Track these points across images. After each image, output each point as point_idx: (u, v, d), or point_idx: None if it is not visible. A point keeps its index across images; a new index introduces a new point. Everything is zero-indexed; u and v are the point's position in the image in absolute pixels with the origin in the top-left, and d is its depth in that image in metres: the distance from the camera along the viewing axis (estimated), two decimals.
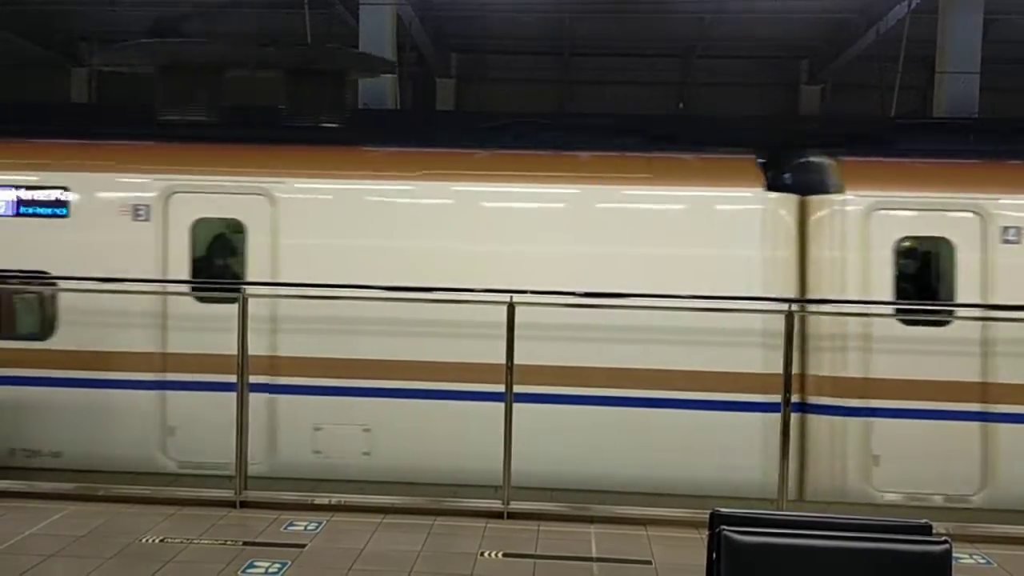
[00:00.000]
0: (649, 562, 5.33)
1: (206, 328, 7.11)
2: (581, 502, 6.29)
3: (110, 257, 7.18)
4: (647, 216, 7.27)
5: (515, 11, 13.29)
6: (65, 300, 7.24)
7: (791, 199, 7.15)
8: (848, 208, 7.04)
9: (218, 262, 7.63)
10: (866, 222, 6.99)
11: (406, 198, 7.38)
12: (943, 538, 2.83)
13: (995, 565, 5.43)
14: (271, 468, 7.05)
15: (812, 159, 7.46)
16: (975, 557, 5.53)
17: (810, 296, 7.06)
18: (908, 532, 2.91)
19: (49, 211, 7.37)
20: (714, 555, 2.93)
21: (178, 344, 7.18)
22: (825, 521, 2.97)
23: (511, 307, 6.13)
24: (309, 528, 5.71)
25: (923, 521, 2.96)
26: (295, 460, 7.14)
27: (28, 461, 7.09)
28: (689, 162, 7.46)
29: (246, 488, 6.14)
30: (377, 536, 5.63)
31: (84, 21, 14.81)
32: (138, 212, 7.33)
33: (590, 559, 5.39)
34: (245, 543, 5.44)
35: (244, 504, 6.07)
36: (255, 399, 6.47)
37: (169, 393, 7.22)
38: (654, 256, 7.10)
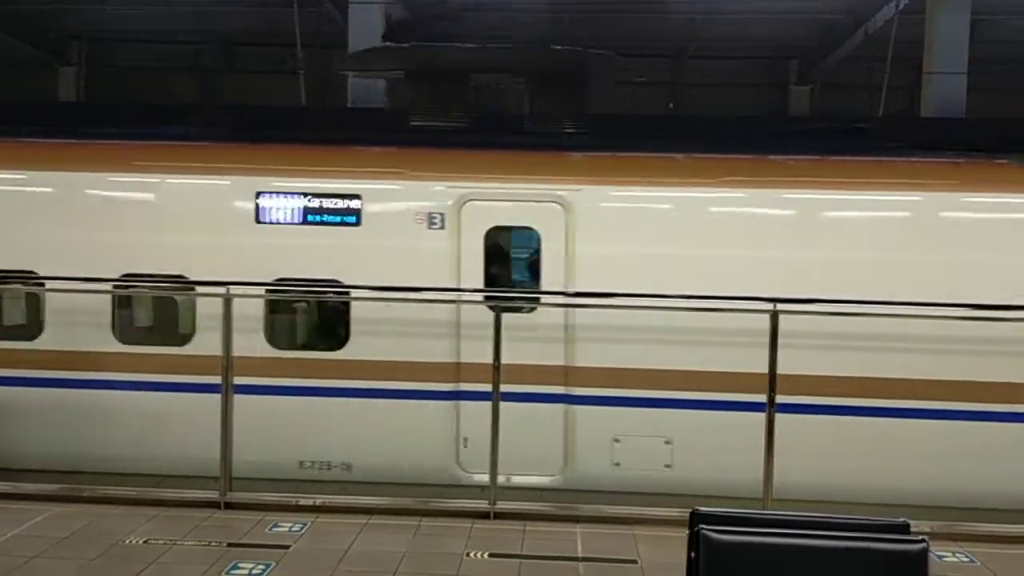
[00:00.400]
0: (635, 561, 5.34)
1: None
2: (567, 502, 6.30)
3: (404, 266, 7.06)
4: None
5: (515, 11, 13.26)
6: (357, 310, 7.12)
7: None
8: None
9: (512, 270, 7.53)
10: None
11: (707, 206, 7.21)
12: (920, 537, 2.84)
13: (978, 563, 5.45)
14: (566, 480, 6.94)
15: None
16: (958, 555, 5.55)
17: None
18: (886, 531, 2.92)
19: (338, 219, 7.20)
20: (693, 554, 2.93)
21: (471, 354, 6.87)
22: (805, 520, 2.97)
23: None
24: (294, 529, 5.70)
25: (901, 520, 2.97)
26: (593, 472, 6.93)
27: (319, 474, 6.95)
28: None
29: (231, 489, 6.12)
30: (362, 537, 5.62)
31: (75, 19, 14.75)
32: (432, 220, 7.17)
33: (576, 559, 5.39)
34: (229, 544, 5.43)
35: (229, 505, 6.06)
36: (552, 409, 6.77)
37: (463, 403, 6.99)
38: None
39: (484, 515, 6.00)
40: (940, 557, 5.48)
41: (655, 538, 5.69)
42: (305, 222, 7.16)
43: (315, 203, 7.18)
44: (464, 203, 7.15)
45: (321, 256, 7.17)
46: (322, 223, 7.16)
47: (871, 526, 2.93)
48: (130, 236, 7.22)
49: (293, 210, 7.18)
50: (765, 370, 6.11)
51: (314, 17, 12.47)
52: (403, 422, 6.99)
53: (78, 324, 7.13)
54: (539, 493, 6.65)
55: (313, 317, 7.74)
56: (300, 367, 7.04)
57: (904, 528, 2.94)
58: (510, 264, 7.50)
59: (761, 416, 6.12)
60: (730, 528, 2.87)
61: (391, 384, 6.97)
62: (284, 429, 6.93)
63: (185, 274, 7.14)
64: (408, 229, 7.13)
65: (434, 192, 7.21)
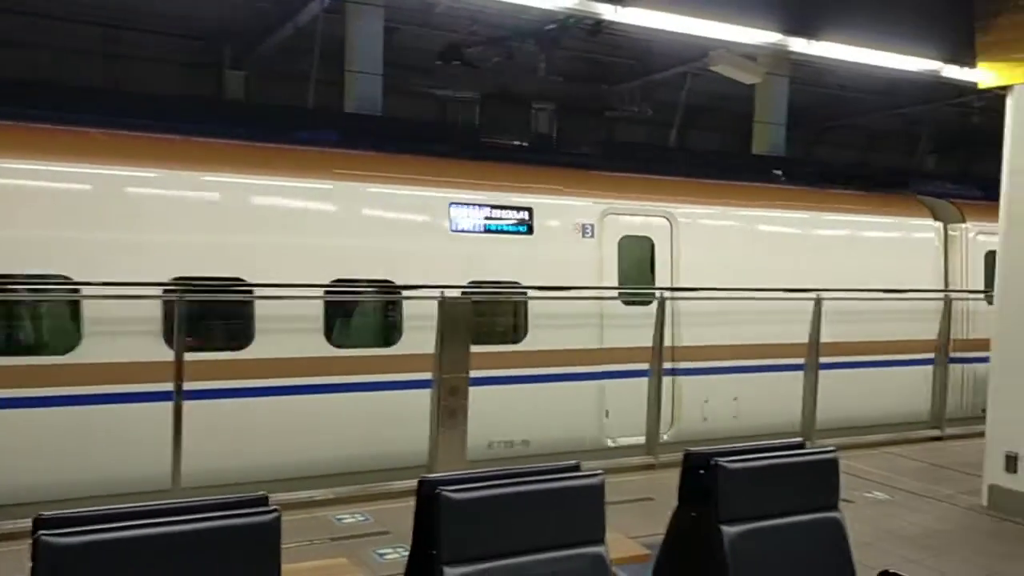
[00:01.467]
0: None
1: (629, 326, 8.82)
2: None
3: (565, 269, 8.74)
4: None
5: None
6: (533, 308, 8.55)
7: None
8: None
9: (636, 271, 9.39)
10: None
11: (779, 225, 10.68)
12: (273, 507, 2.97)
13: (372, 520, 6.02)
14: (673, 435, 9.09)
15: None
16: (356, 516, 6.06)
17: None
18: (244, 506, 2.99)
19: (514, 229, 8.50)
20: (31, 564, 2.67)
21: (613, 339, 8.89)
22: (155, 509, 2.89)
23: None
24: None
25: (261, 493, 3.07)
26: (690, 427, 9.23)
27: (503, 452, 8.06)
28: None
29: None
30: None
31: None
32: (585, 230, 8.98)
33: None
34: None
35: None
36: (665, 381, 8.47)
37: (606, 382, 8.85)
38: None
39: None
40: (340, 519, 5.93)
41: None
42: (487, 231, 8.51)
43: (496, 214, 8.58)
44: (605, 216, 9.09)
45: (504, 261, 8.53)
46: (502, 232, 8.58)
47: (229, 503, 2.98)
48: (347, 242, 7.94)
49: (479, 221, 8.48)
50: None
51: None
52: (567, 402, 8.63)
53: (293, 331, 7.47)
54: None
55: (503, 315, 8.89)
56: (492, 360, 8.07)
57: (263, 500, 3.05)
58: (635, 265, 9.39)
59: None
60: (73, 530, 2.68)
61: (559, 369, 8.58)
62: (477, 415, 7.16)
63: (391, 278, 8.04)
64: (568, 238, 8.91)
65: (586, 207, 9.05)
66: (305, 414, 7.40)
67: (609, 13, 6.54)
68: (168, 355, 6.41)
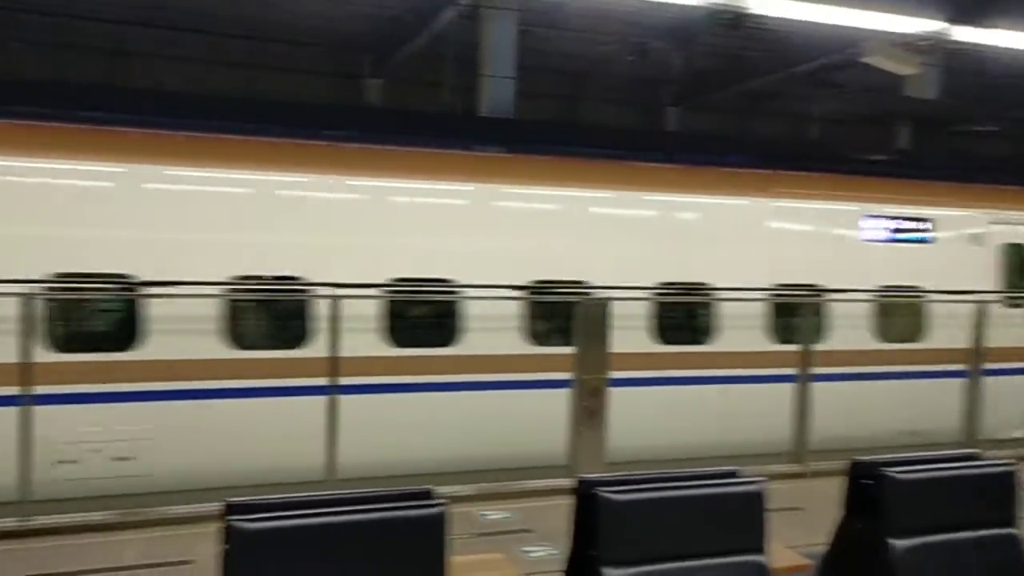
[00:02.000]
0: (192, 561, 5.10)
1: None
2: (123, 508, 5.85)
3: (960, 274, 9.62)
4: None
5: None
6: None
7: None
8: None
9: (1017, 275, 10.15)
10: None
11: None
12: (439, 501, 3.05)
13: (516, 517, 6.09)
14: None
15: None
16: (500, 513, 6.15)
17: None
18: (409, 499, 3.10)
19: (917, 239, 9.65)
20: (227, 546, 2.85)
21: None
22: (333, 498, 3.03)
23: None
24: None
25: (424, 487, 3.17)
26: None
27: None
28: None
29: None
30: None
31: None
32: (976, 239, 9.96)
33: (125, 568, 5.01)
34: None
35: None
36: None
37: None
38: None
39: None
40: (485, 516, 6.04)
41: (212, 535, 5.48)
42: (891, 240, 9.54)
43: (903, 225, 9.64)
44: (991, 226, 10.01)
45: (907, 267, 9.45)
46: (910, 241, 9.59)
47: (394, 496, 3.08)
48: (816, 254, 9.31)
49: (885, 230, 9.56)
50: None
51: None
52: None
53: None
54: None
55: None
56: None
57: (426, 495, 3.15)
58: (1013, 270, 10.11)
59: None
60: (261, 516, 2.84)
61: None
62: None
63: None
64: (962, 246, 9.84)
65: (976, 219, 10.03)
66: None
67: (756, 5, 6.36)
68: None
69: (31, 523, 5.43)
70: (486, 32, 12.74)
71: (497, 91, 12.54)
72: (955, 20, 6.80)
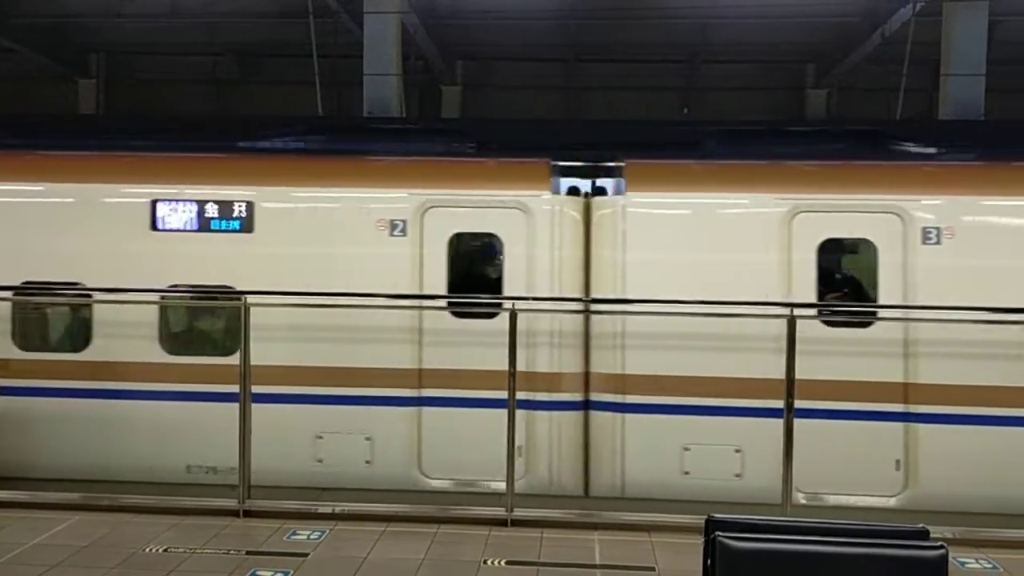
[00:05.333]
0: (653, 568, 5.32)
1: None
2: (585, 508, 6.29)
3: None
4: None
5: (519, 18, 13.31)
6: None
7: None
8: None
9: None
10: None
11: None
12: (939, 543, 2.81)
13: (1000, 570, 5.39)
14: None
15: None
16: (981, 562, 5.49)
17: None
18: (905, 537, 2.90)
19: None
20: (709, 561, 2.92)
21: None
22: (822, 527, 2.95)
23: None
24: (312, 537, 5.72)
25: (920, 526, 2.94)
26: None
27: None
28: None
29: (250, 497, 6.16)
30: (380, 544, 5.63)
31: (92, 34, 14.97)
32: None
33: (594, 566, 5.38)
34: (248, 552, 5.46)
35: (248, 513, 6.10)
36: None
37: None
38: None
39: (502, 522, 5.99)
40: (963, 564, 5.43)
41: (673, 545, 5.67)
42: None
43: None
44: None
45: None
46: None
47: (889, 532, 2.90)
48: None
49: None
50: None
51: (329, 29, 12.56)
52: None
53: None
54: (556, 500, 6.64)
55: None
56: None
57: (923, 534, 2.92)
58: None
59: None
60: (746, 535, 2.86)
61: None
62: None
63: None
64: None
65: None
66: None
67: None
68: None
69: None
70: (949, 27, 11.58)
71: (962, 91, 11.33)
72: None
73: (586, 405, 7.18)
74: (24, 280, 7.36)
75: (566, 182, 7.77)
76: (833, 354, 6.87)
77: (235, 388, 6.34)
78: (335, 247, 7.27)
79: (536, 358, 7.01)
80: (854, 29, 13.43)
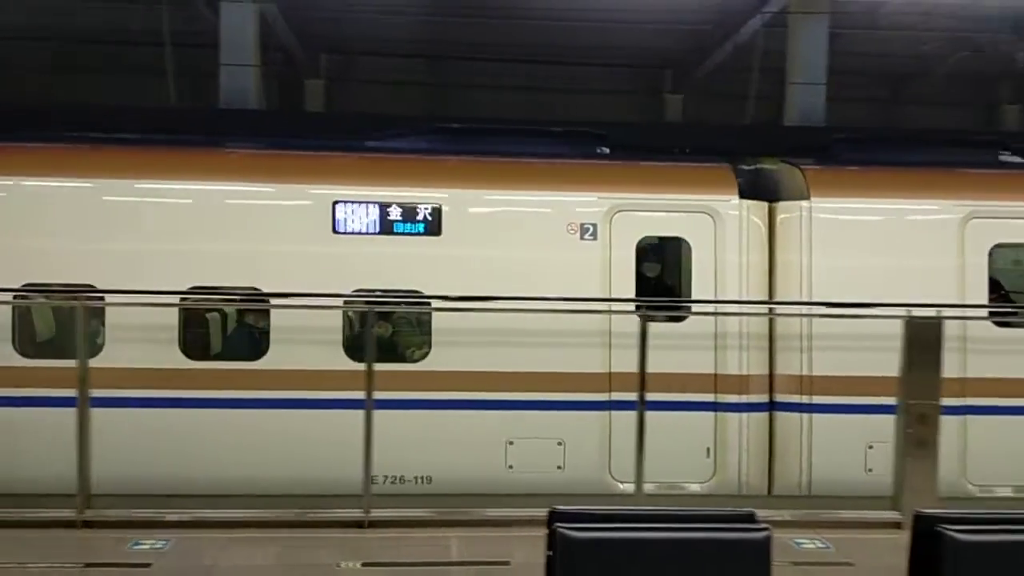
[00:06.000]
0: (508, 562, 5.36)
1: None
2: (444, 507, 6.27)
3: None
4: None
5: (382, 12, 13.17)
6: None
7: None
8: None
9: None
10: None
11: None
12: (764, 525, 2.95)
13: (833, 549, 5.72)
14: None
15: None
16: (815, 542, 5.81)
17: None
18: (733, 521, 3.02)
19: None
20: (550, 552, 2.96)
21: None
22: (657, 514, 3.04)
23: None
24: (156, 546, 5.47)
25: (747, 510, 3.08)
26: None
27: None
28: None
29: (89, 507, 5.83)
30: (230, 552, 5.45)
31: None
32: None
33: (450, 563, 5.38)
34: (87, 565, 5.17)
35: (87, 524, 5.76)
36: None
37: None
38: None
39: (358, 524, 5.90)
40: (799, 544, 5.74)
41: (529, 539, 5.72)
42: None
43: None
44: None
45: None
46: None
47: (719, 517, 3.03)
48: None
49: None
50: None
51: (184, 17, 12.07)
52: None
53: None
54: (413, 499, 6.60)
55: None
56: None
57: (750, 517, 3.05)
58: None
59: None
60: (585, 525, 2.92)
61: None
62: None
63: None
64: None
65: None
66: None
67: None
68: None
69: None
70: (794, 39, 12.24)
71: (805, 99, 11.98)
72: None
73: (771, 406, 7.28)
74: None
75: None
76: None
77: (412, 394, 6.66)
78: (528, 250, 7.17)
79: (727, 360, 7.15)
80: (708, 37, 13.96)
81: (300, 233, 7.09)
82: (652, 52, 15.00)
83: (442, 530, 5.90)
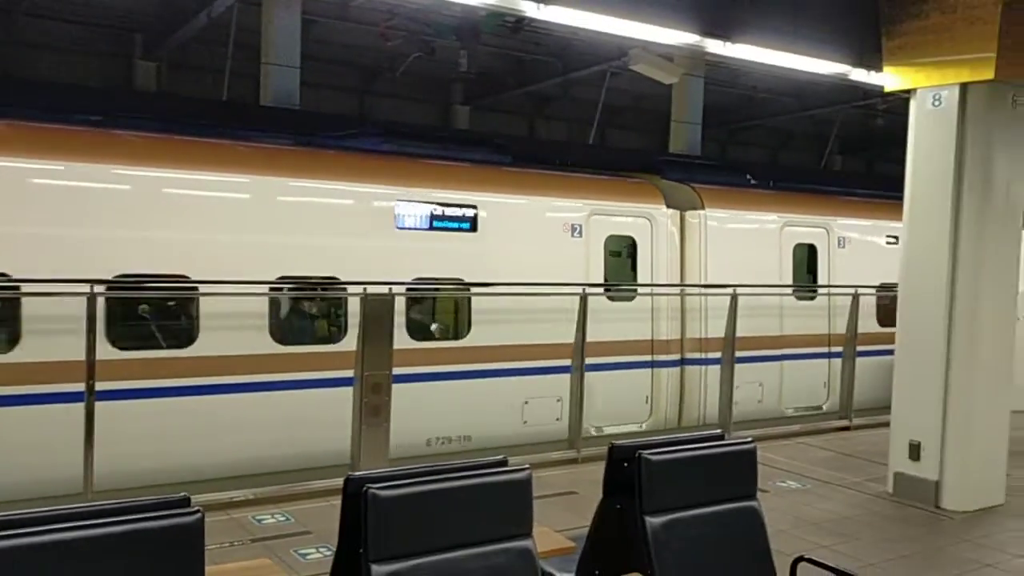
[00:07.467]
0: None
1: None
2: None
3: None
4: None
5: None
6: None
7: None
8: None
9: None
10: None
11: None
12: (196, 508, 2.90)
13: (293, 520, 5.93)
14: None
15: None
16: (276, 516, 5.96)
17: None
18: (166, 508, 2.92)
19: None
20: None
21: None
22: (72, 513, 2.79)
23: None
24: None
25: (182, 494, 3.00)
26: None
27: None
28: None
29: None
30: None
31: None
32: None
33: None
34: None
35: None
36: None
37: None
38: None
39: None
40: (260, 520, 5.83)
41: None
42: None
43: None
44: None
45: None
46: None
47: (149, 505, 2.90)
48: None
49: None
50: None
51: None
52: None
53: None
54: None
55: None
56: None
57: (185, 502, 2.98)
58: None
59: None
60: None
61: None
62: None
63: None
64: None
65: None
66: None
67: (531, 10, 6.58)
68: None
69: None
70: (268, 19, 12.30)
71: (281, 81, 12.15)
72: (707, 34, 7.38)
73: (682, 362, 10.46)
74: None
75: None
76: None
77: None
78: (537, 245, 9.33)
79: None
80: (182, 5, 13.36)
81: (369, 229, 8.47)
82: (118, 12, 13.88)
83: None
